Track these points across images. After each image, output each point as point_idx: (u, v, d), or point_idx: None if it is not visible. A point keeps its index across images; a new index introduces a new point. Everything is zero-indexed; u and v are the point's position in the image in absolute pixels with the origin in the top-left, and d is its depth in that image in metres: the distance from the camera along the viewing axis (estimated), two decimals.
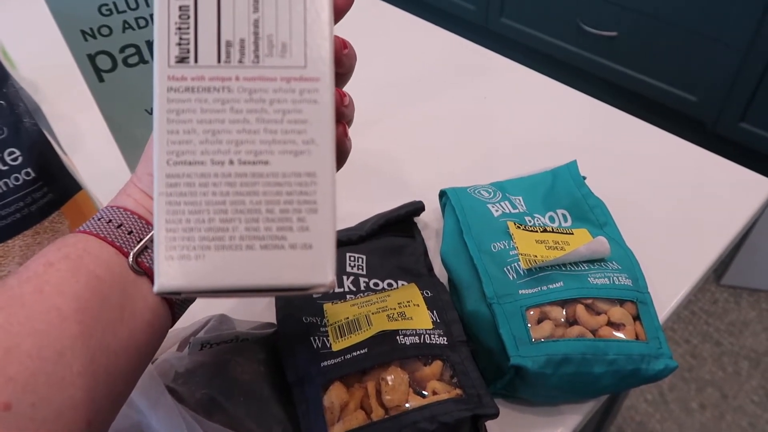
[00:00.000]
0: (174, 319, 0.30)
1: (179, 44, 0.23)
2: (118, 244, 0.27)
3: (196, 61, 0.23)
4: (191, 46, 0.23)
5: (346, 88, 0.29)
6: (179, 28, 0.23)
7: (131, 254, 0.27)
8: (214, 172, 0.23)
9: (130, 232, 0.28)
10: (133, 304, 0.27)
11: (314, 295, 0.42)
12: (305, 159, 0.23)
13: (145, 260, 0.27)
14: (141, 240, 0.28)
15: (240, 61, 0.23)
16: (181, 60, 0.23)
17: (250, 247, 0.23)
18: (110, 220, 0.28)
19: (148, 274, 0.27)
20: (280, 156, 0.23)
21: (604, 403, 0.43)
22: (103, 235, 0.27)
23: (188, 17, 0.23)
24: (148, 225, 0.28)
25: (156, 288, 0.23)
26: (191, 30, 0.23)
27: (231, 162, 0.23)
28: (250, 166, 0.23)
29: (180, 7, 0.23)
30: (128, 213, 0.28)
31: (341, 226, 0.49)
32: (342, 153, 0.29)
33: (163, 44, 0.23)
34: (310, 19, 0.24)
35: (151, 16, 0.45)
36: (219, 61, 0.23)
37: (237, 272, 0.23)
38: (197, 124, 0.23)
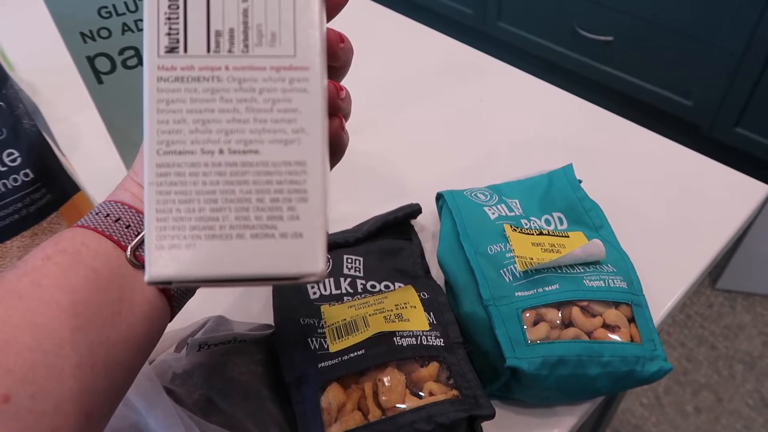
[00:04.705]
0: (173, 312, 0.30)
1: (169, 34, 0.23)
2: (116, 237, 0.27)
3: (185, 50, 0.23)
4: (181, 36, 0.23)
5: (344, 86, 0.29)
6: (168, 18, 0.23)
7: (129, 248, 0.27)
8: (204, 162, 0.23)
9: (127, 226, 0.28)
10: (132, 297, 0.27)
11: (311, 297, 0.42)
12: (295, 148, 0.23)
13: (143, 253, 0.27)
14: (139, 233, 0.28)
15: (229, 51, 0.23)
16: (171, 50, 0.23)
17: (241, 236, 0.23)
18: (108, 214, 0.28)
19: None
20: (270, 145, 0.23)
21: (600, 405, 0.43)
22: (101, 229, 0.27)
23: (177, 7, 0.23)
24: None
25: (147, 277, 0.23)
26: (180, 20, 0.23)
27: (221, 151, 0.23)
28: (240, 155, 0.23)
29: None
30: (126, 207, 0.28)
31: (338, 228, 0.50)
32: (339, 146, 0.28)
33: (153, 34, 0.23)
34: (299, 8, 0.23)
35: None
36: (208, 50, 0.23)
37: (227, 261, 0.22)
38: (187, 113, 0.23)
